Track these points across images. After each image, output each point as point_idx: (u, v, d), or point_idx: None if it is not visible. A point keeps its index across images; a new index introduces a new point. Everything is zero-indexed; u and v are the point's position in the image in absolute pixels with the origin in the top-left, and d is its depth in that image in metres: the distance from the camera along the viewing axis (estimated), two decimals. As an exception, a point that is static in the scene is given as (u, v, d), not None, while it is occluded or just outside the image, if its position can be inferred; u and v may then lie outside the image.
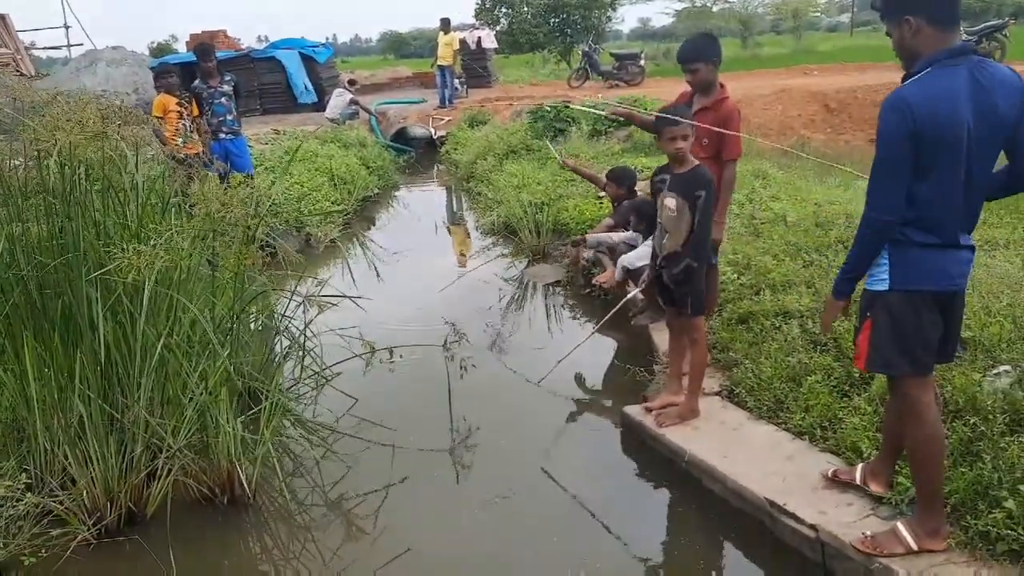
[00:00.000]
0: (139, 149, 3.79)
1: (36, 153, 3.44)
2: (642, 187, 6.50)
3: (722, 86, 4.25)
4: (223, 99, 8.10)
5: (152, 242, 3.30)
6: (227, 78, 8.29)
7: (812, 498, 3.22)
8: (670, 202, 3.82)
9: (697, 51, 4.21)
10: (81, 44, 23.75)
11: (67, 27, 25.03)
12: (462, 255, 8.85)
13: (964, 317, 3.86)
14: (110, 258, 3.29)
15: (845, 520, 3.03)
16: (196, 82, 8.18)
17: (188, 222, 3.69)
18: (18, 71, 19.90)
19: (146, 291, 3.27)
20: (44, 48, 27.82)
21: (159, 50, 37.37)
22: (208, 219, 3.49)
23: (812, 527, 3.07)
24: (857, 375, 3.78)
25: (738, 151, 4.20)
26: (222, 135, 8.10)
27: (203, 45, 8.52)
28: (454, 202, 12.26)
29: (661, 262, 3.94)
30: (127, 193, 3.73)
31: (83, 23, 63.20)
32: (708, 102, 4.20)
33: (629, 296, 5.24)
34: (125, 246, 3.23)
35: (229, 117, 8.15)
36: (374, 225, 10.57)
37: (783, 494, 3.27)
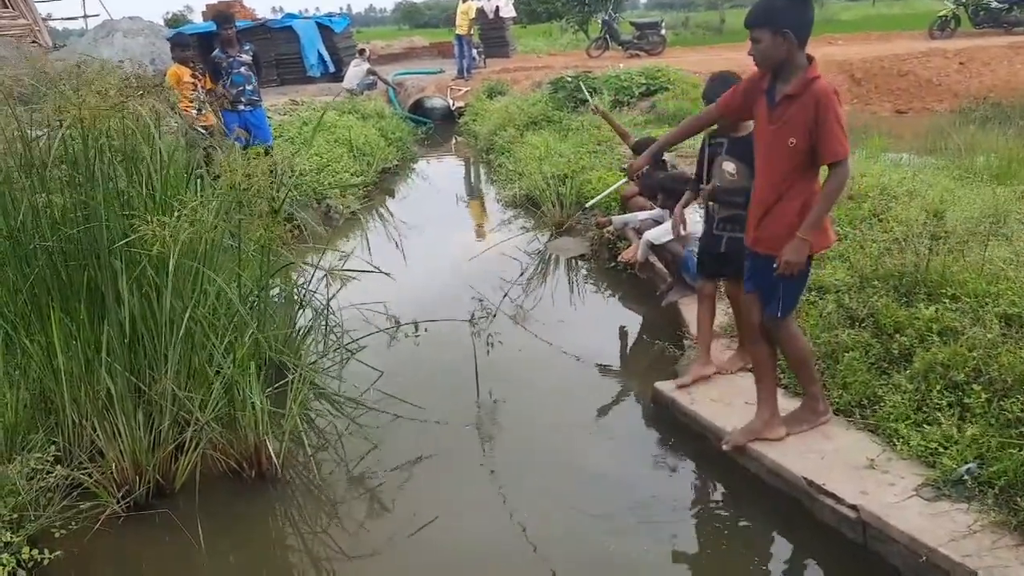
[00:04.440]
0: (161, 119, 3.72)
1: (59, 123, 3.37)
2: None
3: (810, 61, 3.03)
4: (242, 68, 7.97)
5: (176, 214, 3.24)
6: (246, 47, 8.18)
7: (852, 477, 3.14)
8: (729, 166, 3.75)
9: (760, 14, 3.03)
10: (98, 15, 23.59)
11: (83, -3, 24.88)
12: (482, 228, 8.76)
13: (1010, 293, 3.79)
14: (134, 230, 3.23)
15: (888, 500, 2.96)
16: (216, 51, 8.07)
17: (212, 193, 3.63)
18: (35, 42, 19.90)
19: (171, 263, 3.20)
20: (61, 19, 27.78)
21: (174, 20, 37.14)
22: (233, 190, 3.41)
23: (853, 507, 3.00)
24: (896, 352, 3.69)
25: (843, 149, 2.98)
26: (241, 106, 8.00)
27: (223, 12, 8.41)
28: (473, 174, 12.15)
29: (719, 225, 3.85)
30: (150, 163, 3.66)
31: (97, -7, 62.93)
32: (789, 88, 3.04)
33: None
34: (149, 218, 3.16)
35: (248, 87, 8.03)
36: (393, 197, 10.49)
37: (822, 473, 3.19)
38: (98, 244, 3.44)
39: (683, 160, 7.42)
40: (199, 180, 3.99)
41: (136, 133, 3.66)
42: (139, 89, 3.42)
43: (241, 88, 7.98)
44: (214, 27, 8.88)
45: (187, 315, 3.40)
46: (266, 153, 7.25)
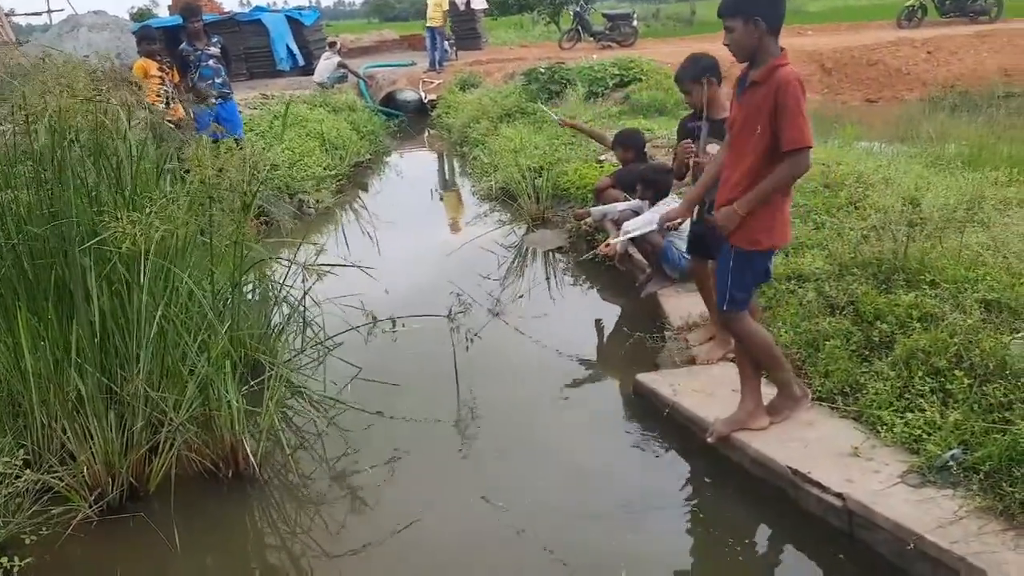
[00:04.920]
0: (131, 113, 3.62)
1: (25, 118, 3.25)
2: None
3: (785, 53, 3.06)
4: (211, 61, 7.82)
5: (147, 210, 3.14)
6: (214, 40, 8.02)
7: (837, 465, 3.13)
8: (712, 148, 3.75)
9: (732, 3, 3.06)
10: (62, 9, 23.06)
11: (46, -9, 24.35)
12: (458, 221, 8.69)
13: (988, 279, 3.81)
14: (104, 227, 3.14)
15: (873, 488, 2.95)
16: (183, 44, 7.91)
17: (182, 188, 3.53)
18: (-2, 38, 19.45)
19: (143, 261, 3.11)
20: (24, 14, 27.14)
21: (139, 15, 36.55)
22: (204, 185, 3.32)
23: (839, 495, 2.99)
24: (877, 339, 3.69)
25: (801, 137, 2.96)
26: (211, 99, 7.85)
27: (189, 5, 8.21)
28: (447, 167, 12.07)
29: (709, 208, 3.83)
30: (120, 158, 3.56)
31: (60, -13, 61.71)
32: (757, 75, 3.07)
33: (617, 241, 5.14)
34: (119, 214, 3.07)
35: (218, 80, 7.87)
36: (367, 191, 10.38)
37: (806, 461, 3.18)
38: (66, 242, 3.33)
39: (658, 151, 7.42)
40: (170, 175, 3.88)
41: (106, 127, 3.55)
42: (108, 82, 3.30)
43: (210, 81, 7.82)
44: (180, 20, 8.71)
45: (159, 313, 3.31)
46: (237, 145, 7.15)
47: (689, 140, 4.11)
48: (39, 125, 3.30)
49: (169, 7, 22.05)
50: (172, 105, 7.27)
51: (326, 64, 15.21)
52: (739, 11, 3.01)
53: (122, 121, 3.46)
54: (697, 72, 3.96)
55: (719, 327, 4.13)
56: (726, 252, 3.28)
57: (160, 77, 7.27)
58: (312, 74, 15.76)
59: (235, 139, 7.36)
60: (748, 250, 3.20)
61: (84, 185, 3.52)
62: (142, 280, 3.23)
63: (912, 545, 2.70)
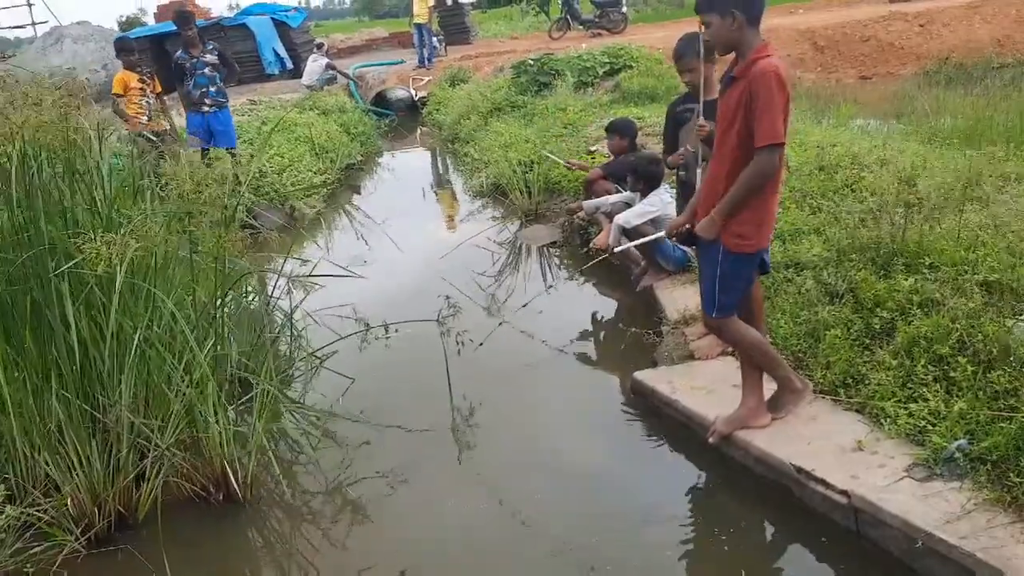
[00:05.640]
0: (102, 130, 3.53)
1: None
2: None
3: (764, 45, 2.96)
4: (206, 69, 7.72)
5: (122, 229, 3.06)
6: (210, 47, 7.92)
7: (841, 461, 3.03)
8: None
9: None
10: (46, 22, 22.88)
11: (30, 4, 24.17)
12: (451, 220, 8.59)
13: (988, 260, 3.71)
14: (79, 249, 3.05)
15: (879, 484, 2.85)
16: (178, 52, 7.82)
17: (160, 204, 3.44)
18: (-18, 53, 19.35)
19: (117, 282, 3.02)
20: (10, 27, 26.96)
21: (128, 24, 36.39)
22: (181, 200, 3.23)
23: (843, 493, 2.90)
24: (878, 327, 3.59)
25: (771, 134, 2.86)
26: (205, 108, 7.76)
27: (183, 13, 8.10)
28: (439, 165, 11.96)
29: None
30: (93, 177, 3.47)
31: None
32: (737, 69, 3.00)
33: (620, 249, 5.06)
34: (92, 235, 2.98)
35: (212, 88, 7.78)
36: (359, 194, 10.29)
37: (810, 458, 3.08)
38: (39, 266, 3.25)
39: (649, 139, 7.31)
40: (149, 191, 3.79)
41: (77, 145, 3.46)
42: (75, 99, 3.21)
43: (204, 89, 7.73)
44: (165, 29, 8.63)
45: (138, 336, 3.22)
46: (232, 156, 7.06)
47: (703, 121, 3.94)
48: (7, 146, 3.20)
49: (155, 14, 21.90)
50: (153, 118, 7.22)
51: (314, 66, 15.10)
52: (713, 7, 2.94)
53: (92, 138, 3.35)
54: (698, 47, 3.80)
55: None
56: (712, 258, 3.17)
57: (141, 88, 7.21)
58: (300, 76, 15.64)
59: (229, 150, 7.29)
60: (735, 252, 3.10)
61: (59, 205, 3.42)
62: (115, 302, 3.12)
63: (920, 543, 2.61)
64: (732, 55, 3.07)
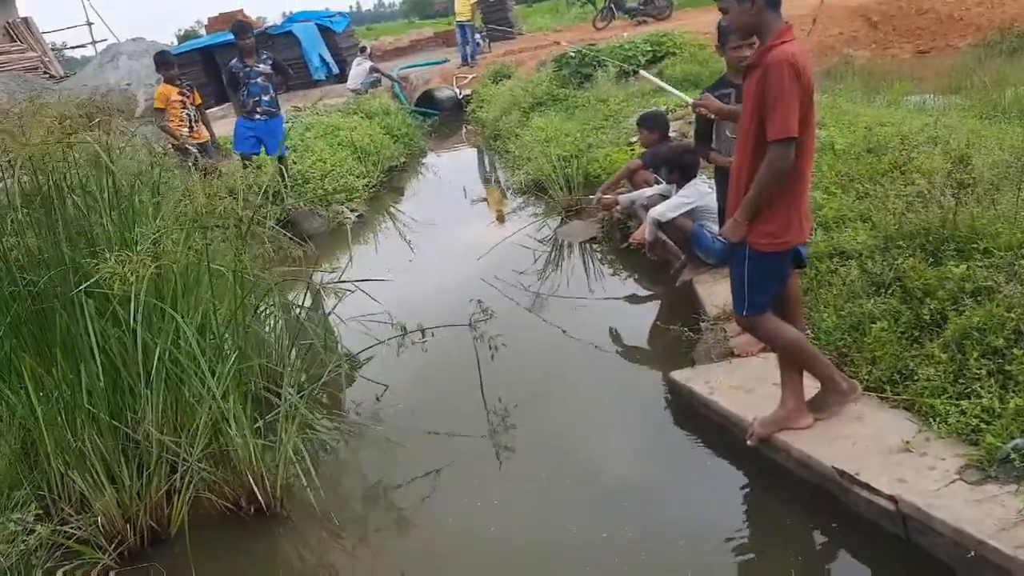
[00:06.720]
0: (119, 147, 3.54)
1: (8, 163, 3.20)
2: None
3: (787, 28, 2.81)
4: (259, 79, 7.79)
5: (139, 247, 3.05)
6: (263, 57, 8.00)
7: (888, 463, 2.86)
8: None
9: None
10: (105, 40, 23.54)
11: (90, 24, 24.92)
12: (491, 219, 8.50)
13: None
14: (97, 269, 3.06)
15: (928, 488, 2.68)
16: (233, 61, 7.91)
17: (179, 219, 3.44)
18: (47, 73, 20.01)
19: (137, 300, 3.02)
20: (75, 47, 27.80)
21: (186, 37, 37.33)
22: (195, 214, 3.22)
23: (891, 498, 2.73)
24: (928, 318, 3.38)
25: (781, 127, 2.72)
26: (257, 116, 7.83)
27: (240, 23, 8.21)
28: (481, 164, 11.89)
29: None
30: (111, 196, 3.48)
31: (109, 18, 63.53)
32: (755, 57, 2.88)
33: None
34: (109, 255, 2.98)
35: (265, 97, 7.84)
36: (402, 195, 10.28)
37: (854, 461, 2.92)
38: (62, 287, 3.27)
39: (690, 127, 7.10)
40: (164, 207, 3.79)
41: (96, 164, 3.48)
42: (88, 119, 3.22)
43: (257, 98, 7.80)
44: (214, 41, 8.76)
45: (163, 353, 3.22)
46: (281, 162, 7.11)
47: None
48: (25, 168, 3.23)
49: (206, 27, 22.35)
50: (195, 129, 7.32)
51: (358, 70, 15.16)
52: None
53: (107, 157, 3.36)
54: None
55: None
56: (740, 256, 3.02)
57: (181, 101, 7.31)
58: (346, 81, 15.74)
59: (279, 157, 7.35)
60: (764, 251, 2.94)
61: (80, 226, 3.45)
62: (138, 319, 3.12)
63: (973, 552, 2.43)
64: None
